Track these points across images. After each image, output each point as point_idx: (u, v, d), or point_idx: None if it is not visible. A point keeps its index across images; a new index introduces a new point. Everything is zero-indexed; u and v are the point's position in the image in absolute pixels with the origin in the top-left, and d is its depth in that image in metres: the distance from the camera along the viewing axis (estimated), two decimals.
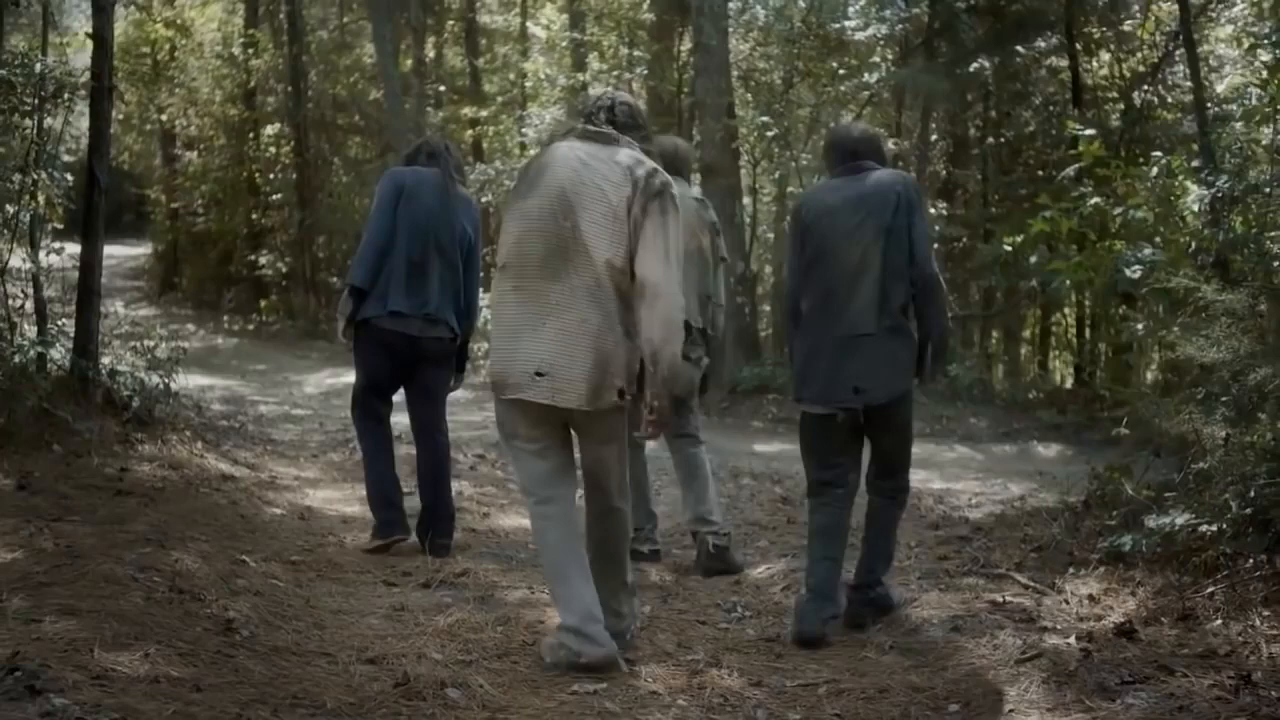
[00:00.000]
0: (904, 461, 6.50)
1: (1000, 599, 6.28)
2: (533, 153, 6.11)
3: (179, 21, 30.31)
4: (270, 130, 28.86)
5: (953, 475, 12.22)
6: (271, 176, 28.39)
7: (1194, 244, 8.02)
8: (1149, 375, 18.16)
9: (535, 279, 5.17)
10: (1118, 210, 8.42)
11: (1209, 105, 16.35)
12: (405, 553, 7.26)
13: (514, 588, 6.56)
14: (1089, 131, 9.98)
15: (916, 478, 11.92)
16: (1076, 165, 9.22)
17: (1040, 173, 18.85)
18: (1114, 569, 6.58)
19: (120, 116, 34.65)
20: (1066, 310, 19.35)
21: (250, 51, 28.33)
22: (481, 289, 7.82)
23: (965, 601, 6.31)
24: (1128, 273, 7.96)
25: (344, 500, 8.86)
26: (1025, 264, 16.11)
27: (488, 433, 13.93)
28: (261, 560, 6.50)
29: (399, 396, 7.69)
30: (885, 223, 6.01)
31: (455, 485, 9.46)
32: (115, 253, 34.96)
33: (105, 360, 9.85)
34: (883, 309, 6.03)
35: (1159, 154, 10.37)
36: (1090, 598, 6.20)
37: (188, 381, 16.76)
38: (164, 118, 30.86)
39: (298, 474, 9.88)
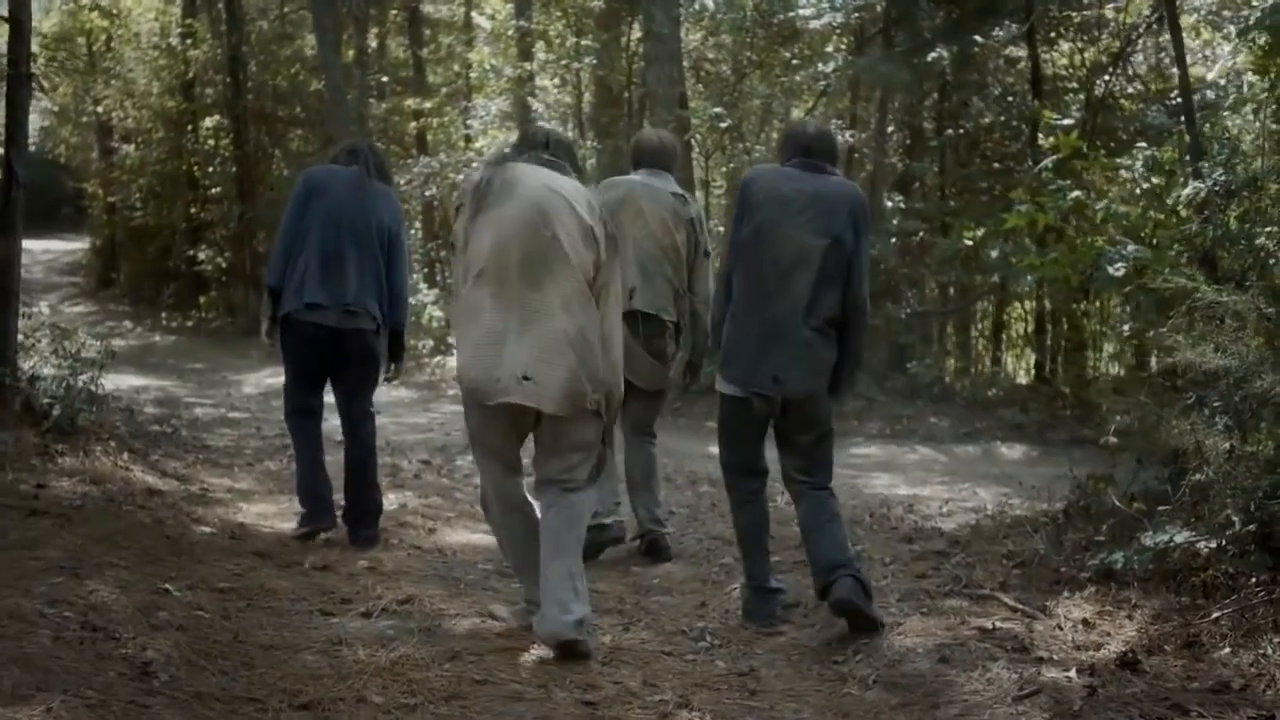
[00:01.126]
0: (827, 460, 6.47)
1: (989, 625, 5.83)
2: (476, 163, 5.91)
3: (114, 10, 29.64)
4: (209, 122, 28.28)
5: (918, 479, 11.80)
6: (210, 170, 27.82)
7: (1180, 240, 7.60)
8: (1107, 370, 17.88)
9: (515, 286, 5.40)
10: (1100, 205, 7.98)
11: (1175, 96, 16.10)
12: (342, 574, 6.72)
13: (463, 616, 6.03)
14: (1066, 121, 9.58)
15: (880, 483, 11.63)
16: (1053, 157, 8.73)
17: (997, 165, 18.49)
18: (1106, 589, 6.18)
19: (55, 108, 34.28)
20: (1025, 305, 18.93)
21: (188, 42, 27.71)
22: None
23: (951, 627, 5.85)
24: (1110, 270, 7.50)
25: (280, 515, 8.29)
26: (985, 258, 15.76)
27: (433, 436, 13.46)
28: (186, 588, 5.95)
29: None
30: (833, 230, 6.07)
31: (400, 496, 9.13)
32: (52, 247, 34.70)
33: (28, 364, 9.24)
34: (810, 310, 6.09)
35: (1143, 145, 9.96)
36: (1085, 622, 5.78)
37: (120, 383, 16.30)
38: (100, 110, 30.21)
39: (231, 485, 9.31)
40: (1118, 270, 7.57)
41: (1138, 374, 16.59)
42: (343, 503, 7.74)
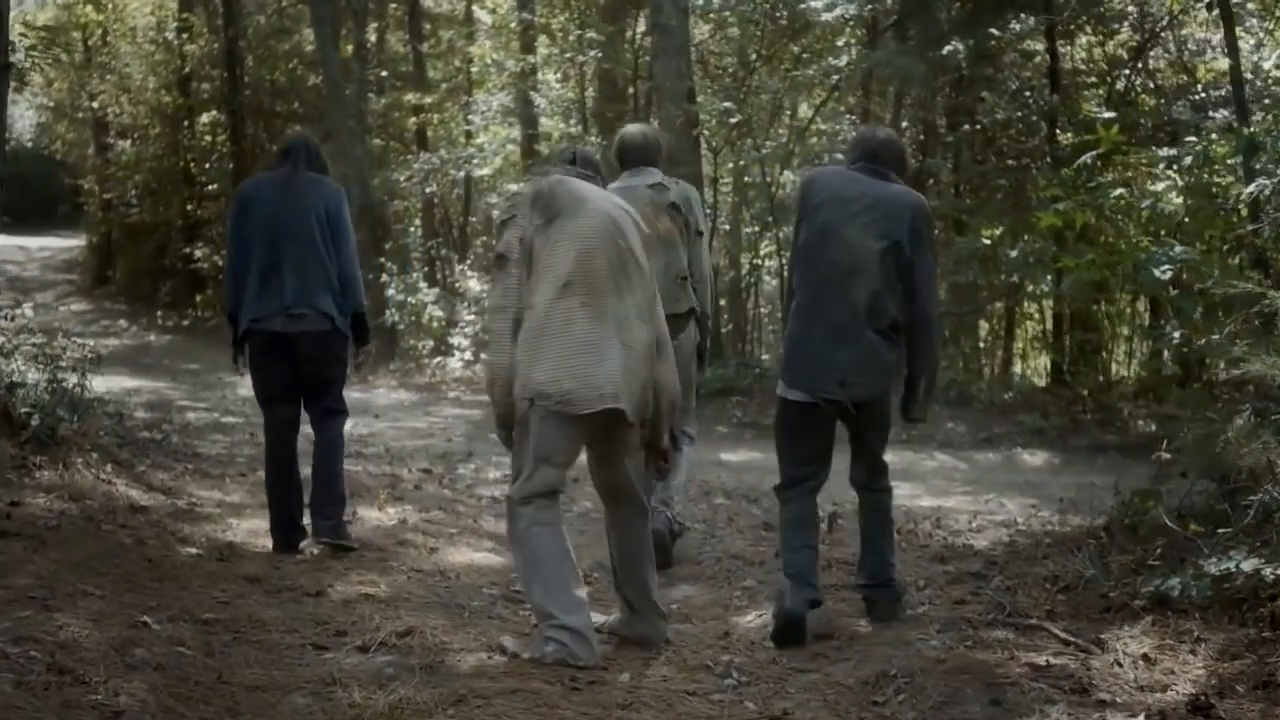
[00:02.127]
0: (884, 460, 6.64)
1: (1041, 660, 5.32)
2: (529, 179, 5.57)
3: (109, 4, 29.25)
4: (206, 118, 27.95)
5: (939, 489, 11.31)
6: (207, 166, 27.58)
7: (1231, 241, 7.12)
8: (1127, 373, 17.40)
9: (604, 296, 5.47)
10: (1145, 203, 7.48)
11: (1196, 92, 15.63)
12: (337, 601, 6.22)
13: (468, 650, 5.52)
14: (1109, 115, 9.04)
15: (902, 493, 11.03)
16: (1093, 153, 8.23)
17: (1012, 162, 17.98)
18: (1163, 619, 5.69)
19: (51, 104, 33.91)
20: (1042, 306, 18.40)
21: (184, 36, 27.35)
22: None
23: (1000, 664, 5.35)
24: (1156, 273, 7.01)
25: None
26: (1004, 258, 15.29)
27: (434, 442, 13.00)
28: (166, 620, 5.44)
29: None
30: (892, 235, 6.04)
31: (399, 511, 8.73)
32: (49, 244, 34.51)
33: (7, 370, 8.74)
34: (871, 314, 6.05)
35: (1193, 139, 9.44)
36: (1145, 658, 5.29)
37: (113, 385, 15.83)
38: (95, 105, 29.88)
39: (222, 498, 8.83)
40: (1164, 273, 7.08)
41: (1160, 378, 16.18)
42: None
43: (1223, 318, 7.16)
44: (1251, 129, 7.79)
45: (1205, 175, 7.75)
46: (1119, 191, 7.68)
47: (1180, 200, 7.67)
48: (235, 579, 6.42)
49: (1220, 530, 6.03)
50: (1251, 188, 6.87)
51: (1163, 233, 7.44)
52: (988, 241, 15.10)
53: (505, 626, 6.04)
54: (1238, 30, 16.35)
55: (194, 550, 6.97)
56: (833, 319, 6.03)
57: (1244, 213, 7.12)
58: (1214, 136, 7.92)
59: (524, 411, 5.48)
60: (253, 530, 7.82)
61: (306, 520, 7.48)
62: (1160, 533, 6.67)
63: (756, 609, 6.56)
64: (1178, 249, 7.17)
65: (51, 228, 35.76)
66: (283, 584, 6.42)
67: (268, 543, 7.45)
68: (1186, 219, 7.50)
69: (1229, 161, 7.69)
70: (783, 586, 6.10)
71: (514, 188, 6.00)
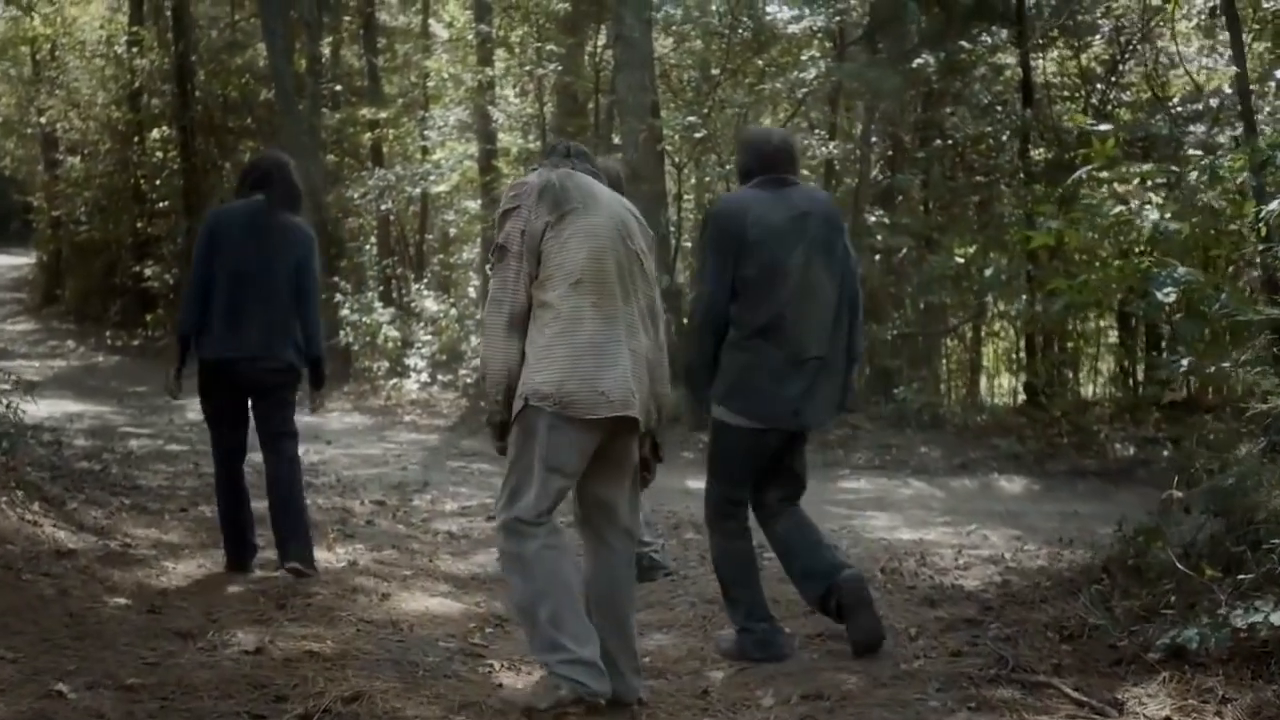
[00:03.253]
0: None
1: None
2: (536, 171, 4.94)
3: (58, 18, 28.67)
4: (156, 134, 27.39)
5: (918, 520, 10.83)
6: (158, 183, 26.99)
7: (1238, 262, 6.66)
8: (1104, 393, 17.01)
9: (612, 297, 5.14)
10: (1146, 221, 7.00)
11: (1173, 105, 15.23)
12: (278, 659, 5.63)
13: (422, 718, 4.99)
14: (1104, 127, 8.56)
15: (879, 524, 10.64)
16: (1087, 168, 7.76)
17: (981, 178, 17.56)
18: (1180, 674, 5.22)
19: None
20: (1013, 326, 17.97)
21: (134, 50, 26.75)
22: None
23: None
24: (1159, 295, 6.53)
25: (210, 576, 7.25)
26: (977, 277, 14.87)
27: (387, 471, 12.48)
28: (85, 688, 4.86)
29: None
30: (833, 248, 6.13)
31: (349, 551, 8.16)
32: (1, 262, 33.68)
33: None
34: (834, 332, 6.15)
35: (1199, 153, 8.97)
36: None
37: (55, 409, 15.25)
38: (43, 120, 29.30)
39: (159, 538, 8.22)
40: (1168, 295, 6.60)
41: (1138, 399, 15.79)
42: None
43: (1229, 344, 6.71)
44: (1259, 143, 7.29)
45: (1209, 193, 7.28)
46: (1118, 209, 7.17)
47: (1183, 219, 7.17)
48: (166, 634, 5.81)
49: (1240, 576, 5.54)
50: (1274, 205, 6.38)
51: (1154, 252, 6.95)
52: (960, 260, 14.67)
53: (463, 686, 5.47)
54: (1214, 43, 16.06)
55: (123, 601, 6.35)
56: (789, 350, 6.00)
57: (1262, 232, 6.65)
58: (1221, 151, 7.42)
59: (526, 416, 5.04)
60: (188, 574, 7.25)
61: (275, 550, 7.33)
62: (1167, 574, 6.20)
63: (737, 663, 6.02)
64: (1181, 270, 6.69)
65: (2, 245, 35.20)
66: (218, 639, 5.81)
67: (205, 590, 6.89)
68: (1190, 239, 7.00)
69: (1235, 179, 7.22)
70: (756, 636, 6.11)
71: (524, 177, 5.44)
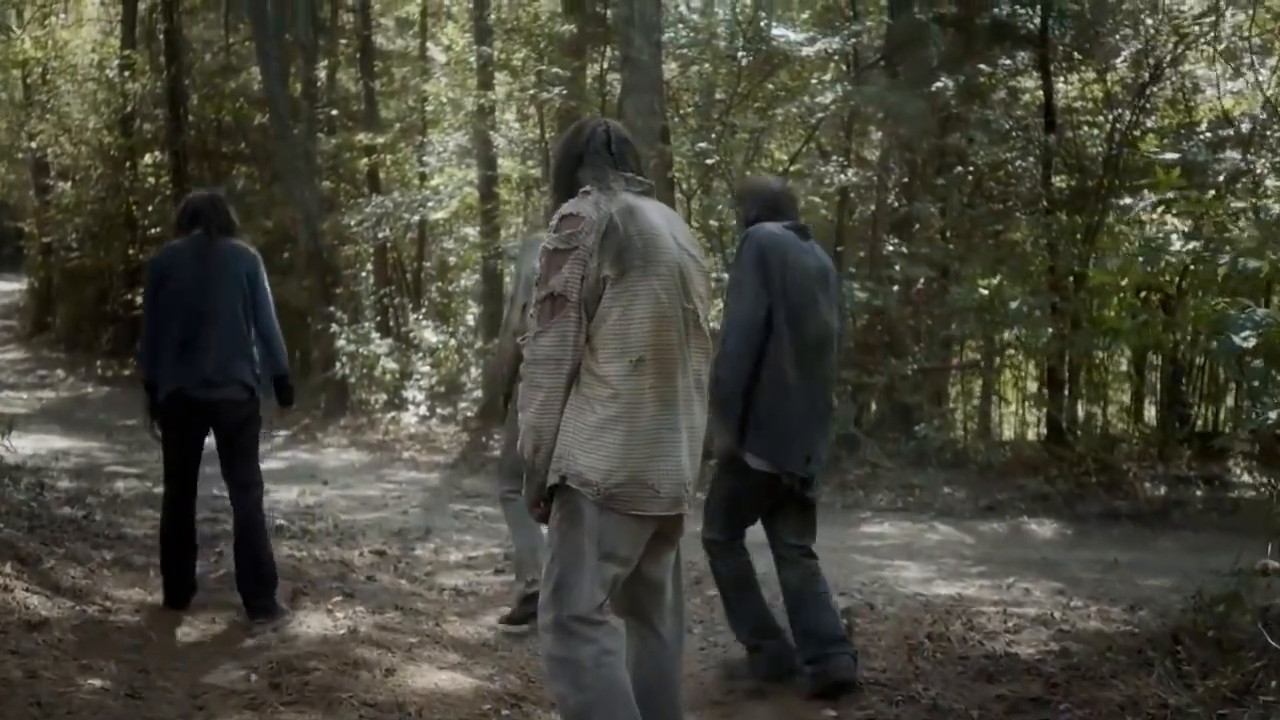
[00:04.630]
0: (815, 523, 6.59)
1: None
2: (585, 200, 4.58)
3: (50, 41, 28.22)
4: (149, 159, 26.92)
5: (952, 571, 10.20)
6: (150, 209, 26.43)
7: None
8: (1132, 431, 16.45)
9: (672, 376, 4.50)
10: (1223, 258, 6.42)
11: (1203, 131, 14.66)
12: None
13: None
14: (1170, 156, 8.00)
15: (912, 575, 10.02)
16: (1150, 200, 7.19)
17: (1001, 206, 16.99)
18: None
19: None
20: (1036, 360, 17.36)
21: (126, 74, 26.23)
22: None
23: None
24: (1236, 339, 5.95)
25: (198, 648, 6.62)
26: (1001, 309, 14.31)
27: (387, 515, 11.88)
28: None
29: None
30: (839, 304, 6.42)
31: (348, 615, 7.50)
32: None
33: None
34: (833, 384, 6.51)
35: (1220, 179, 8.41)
36: None
37: (41, 445, 14.66)
38: (34, 145, 28.84)
39: (142, 599, 7.57)
40: (1245, 340, 6.01)
41: (1166, 436, 15.22)
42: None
43: None
44: None
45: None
46: (1191, 245, 6.59)
47: (1258, 255, 6.58)
48: None
49: None
50: None
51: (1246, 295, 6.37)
52: (984, 292, 14.09)
53: None
54: (1236, 68, 15.52)
55: (99, 684, 5.71)
56: (808, 396, 6.10)
57: None
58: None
59: (569, 498, 4.41)
60: (174, 646, 6.63)
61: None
62: (1253, 647, 5.64)
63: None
64: (1260, 312, 6.11)
65: None
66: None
67: (193, 662, 6.28)
68: (1268, 276, 6.41)
69: None
70: (770, 653, 6.28)
71: (576, 206, 4.46)
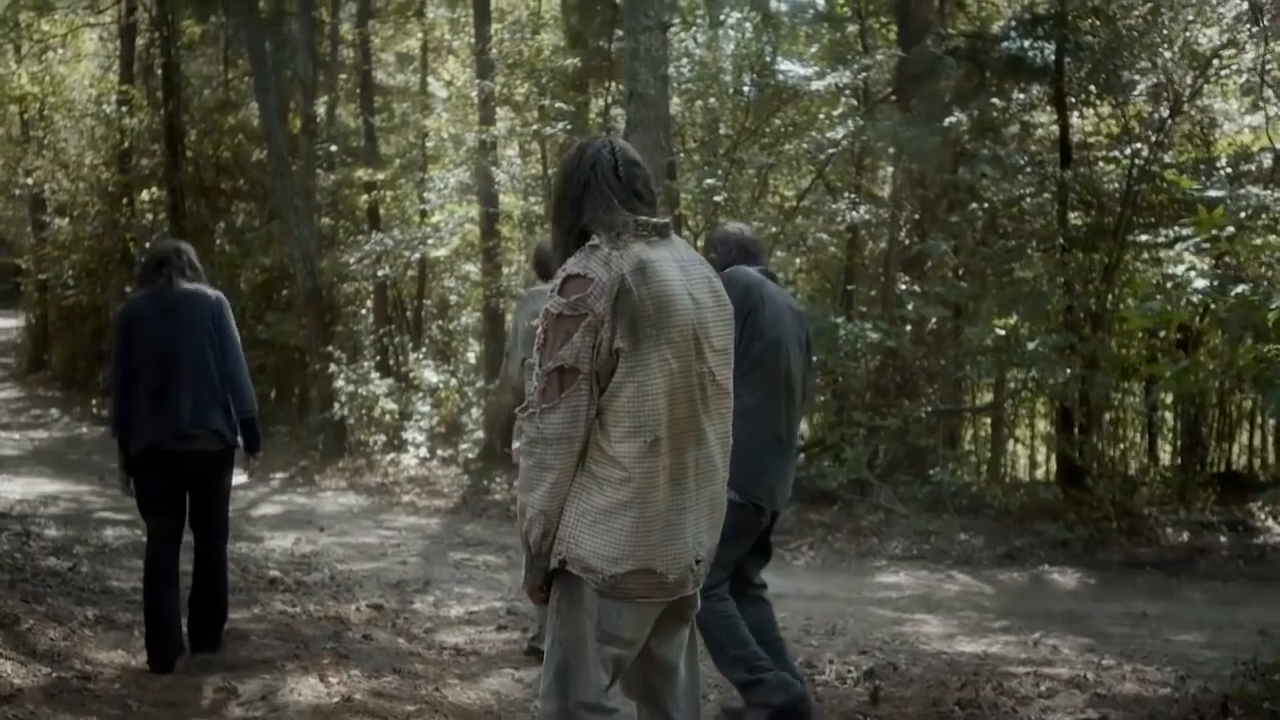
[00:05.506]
0: None
1: None
2: (598, 255, 4.02)
3: (47, 76, 27.98)
4: (146, 195, 26.62)
5: (974, 625, 9.79)
6: (147, 245, 25.90)
7: None
8: (1153, 476, 16.07)
9: (685, 448, 4.06)
10: (1274, 303, 6.04)
11: (1220, 166, 14.31)
12: None
13: None
14: (1215, 193, 7.61)
15: (934, 630, 9.60)
16: (1193, 239, 6.80)
17: (1015, 243, 16.61)
18: None
19: None
20: (1052, 401, 16.95)
21: (124, 110, 25.94)
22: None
23: None
24: None
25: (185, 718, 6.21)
26: (1019, 351, 13.92)
27: (385, 566, 11.46)
28: None
29: None
30: (806, 348, 6.43)
31: (341, 679, 7.03)
32: None
33: None
34: (798, 426, 6.64)
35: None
36: None
37: (30, 490, 14.29)
38: (30, 181, 28.54)
39: (125, 663, 7.14)
40: None
41: (1186, 478, 14.84)
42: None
43: None
44: None
45: None
46: (1241, 289, 6.21)
47: None
48: None
49: None
50: None
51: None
52: (1001, 332, 13.71)
53: None
54: (1255, 102, 15.16)
55: None
56: (775, 430, 6.15)
57: None
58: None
59: (569, 582, 4.04)
60: (157, 717, 6.20)
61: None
62: None
63: None
64: None
65: None
66: None
67: None
68: None
69: None
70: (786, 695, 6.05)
71: (583, 264, 3.96)
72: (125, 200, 26.93)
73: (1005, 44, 15.97)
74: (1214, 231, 6.34)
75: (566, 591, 4.03)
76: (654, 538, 3.99)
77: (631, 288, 3.93)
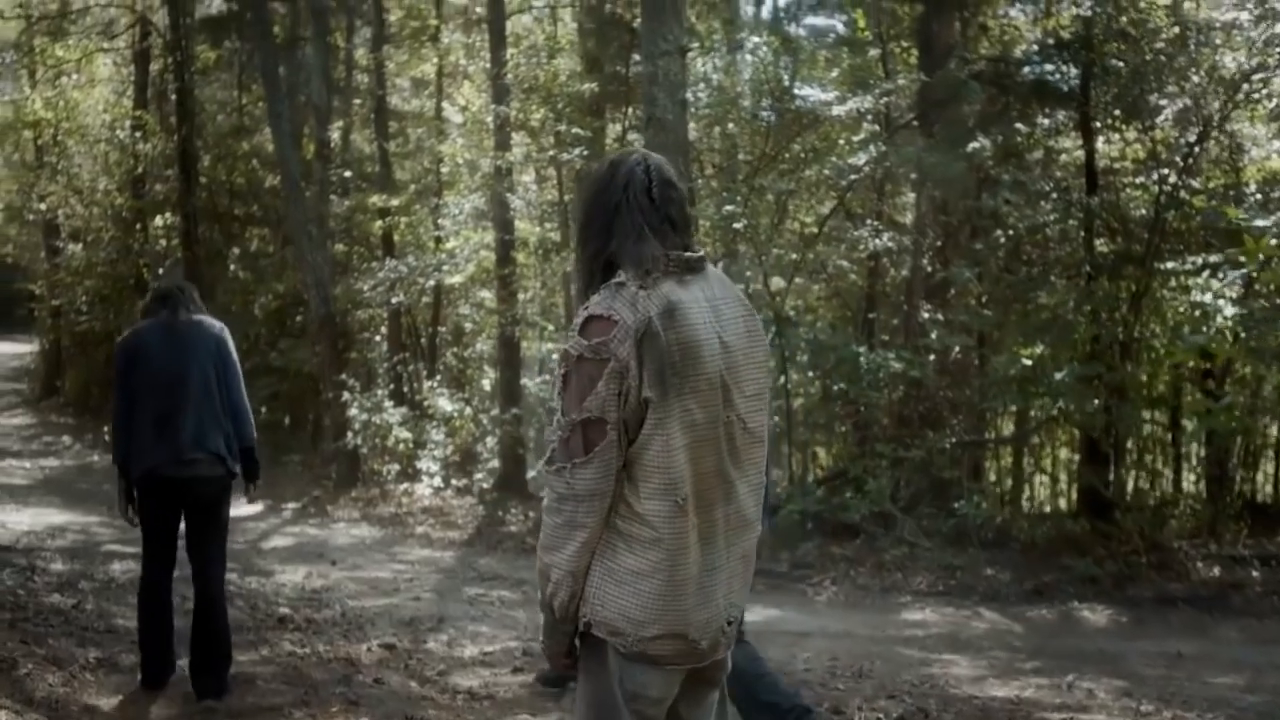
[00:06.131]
0: None
1: None
2: (622, 294, 3.61)
3: (61, 101, 27.87)
4: (160, 221, 26.49)
5: (1005, 666, 9.48)
6: (160, 271, 25.80)
7: None
8: (1183, 509, 15.75)
9: (710, 504, 3.71)
10: None
11: (1250, 192, 14.03)
12: None
13: None
14: (1263, 223, 7.33)
15: (962, 672, 9.31)
16: (1242, 269, 6.52)
17: (1037, 270, 16.33)
18: None
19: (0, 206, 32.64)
20: (1074, 432, 16.66)
21: (138, 135, 25.81)
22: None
23: None
24: None
25: None
26: (1045, 381, 13.64)
27: (398, 602, 11.19)
28: None
29: None
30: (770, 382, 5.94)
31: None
32: (3, 350, 32.89)
33: None
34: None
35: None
36: None
37: (38, 521, 14.06)
38: (44, 207, 28.45)
39: (126, 711, 6.92)
40: None
41: (1217, 510, 14.54)
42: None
43: None
44: None
45: None
46: None
47: None
48: None
49: None
50: None
51: None
52: (1028, 362, 13.42)
53: None
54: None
55: None
56: None
57: None
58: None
59: (595, 645, 3.74)
60: None
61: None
62: None
63: None
64: None
65: (8, 331, 34.59)
66: None
67: None
68: None
69: None
70: None
71: (605, 305, 3.59)
72: (139, 226, 26.88)
73: (1029, 68, 15.68)
74: (1260, 259, 6.05)
75: (593, 653, 3.75)
76: (685, 602, 3.69)
77: (659, 332, 3.61)
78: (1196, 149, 14.51)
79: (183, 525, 7.41)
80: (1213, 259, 13.58)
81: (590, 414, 3.58)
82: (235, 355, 7.57)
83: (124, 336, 7.73)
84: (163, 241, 26.88)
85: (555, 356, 3.53)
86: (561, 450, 3.63)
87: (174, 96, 25.51)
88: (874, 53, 18.32)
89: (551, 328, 20.54)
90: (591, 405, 3.58)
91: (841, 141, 16.81)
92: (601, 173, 3.89)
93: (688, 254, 3.75)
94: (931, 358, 15.22)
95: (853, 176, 16.04)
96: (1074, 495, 17.13)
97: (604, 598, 3.64)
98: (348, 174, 23.20)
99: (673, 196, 3.80)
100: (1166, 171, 14.72)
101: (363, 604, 10.91)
